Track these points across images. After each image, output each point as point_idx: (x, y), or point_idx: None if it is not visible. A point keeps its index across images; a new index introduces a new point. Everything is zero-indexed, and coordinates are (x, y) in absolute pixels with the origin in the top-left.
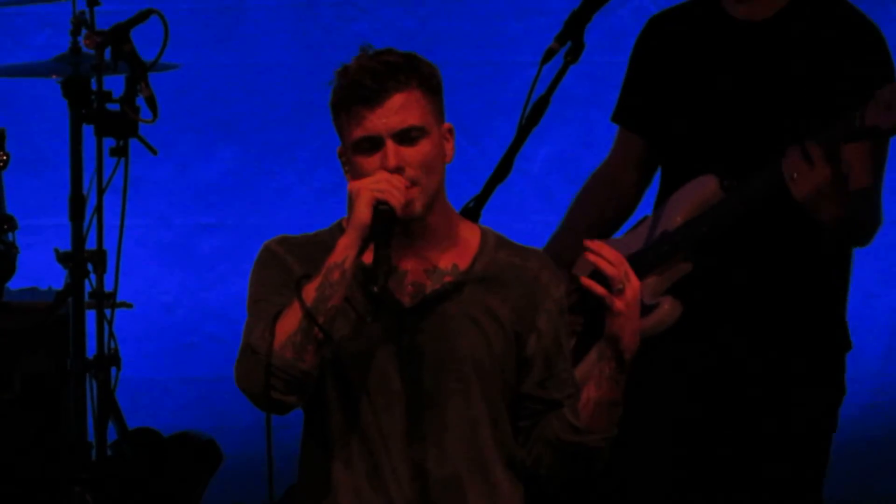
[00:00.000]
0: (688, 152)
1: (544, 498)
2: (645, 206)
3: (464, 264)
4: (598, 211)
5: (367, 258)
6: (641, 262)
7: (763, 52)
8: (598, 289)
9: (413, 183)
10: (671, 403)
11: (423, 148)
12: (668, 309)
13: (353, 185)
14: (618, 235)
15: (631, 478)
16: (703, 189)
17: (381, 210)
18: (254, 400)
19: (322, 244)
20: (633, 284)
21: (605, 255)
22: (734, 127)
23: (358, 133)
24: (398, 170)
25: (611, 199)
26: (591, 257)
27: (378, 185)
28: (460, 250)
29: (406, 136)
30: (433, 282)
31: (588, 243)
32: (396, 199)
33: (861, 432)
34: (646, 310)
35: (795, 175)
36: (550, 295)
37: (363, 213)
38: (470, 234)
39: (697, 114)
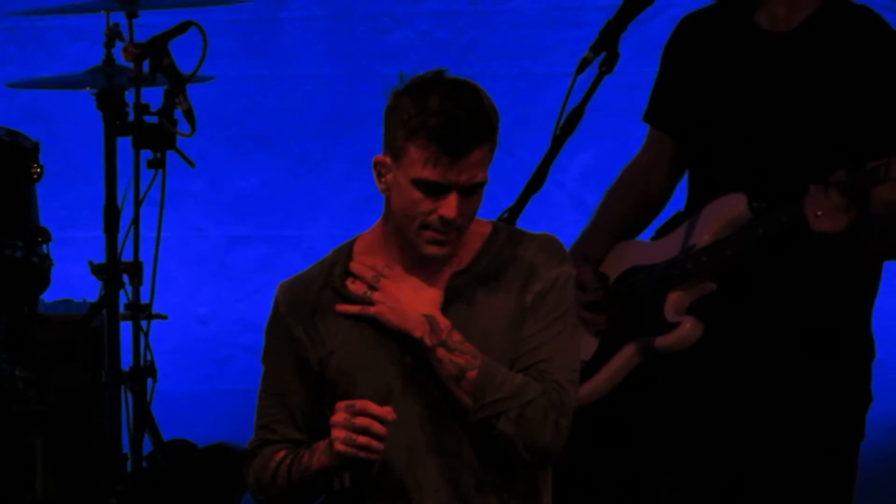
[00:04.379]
0: (713, 159)
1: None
2: (674, 202)
3: (462, 264)
4: (629, 206)
5: (371, 263)
6: (667, 278)
7: (785, 66)
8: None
9: (458, 231)
10: (697, 413)
11: (478, 199)
12: (689, 328)
13: (334, 431)
14: (648, 233)
15: (659, 485)
16: (732, 208)
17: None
18: None
19: (327, 272)
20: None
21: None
22: (754, 140)
23: (427, 175)
24: (452, 220)
25: (642, 193)
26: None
27: (346, 447)
28: (462, 255)
29: (471, 191)
30: None
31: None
32: (364, 454)
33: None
34: (668, 328)
35: (820, 213)
36: (541, 277)
37: (335, 459)
38: (477, 233)
39: (720, 125)
